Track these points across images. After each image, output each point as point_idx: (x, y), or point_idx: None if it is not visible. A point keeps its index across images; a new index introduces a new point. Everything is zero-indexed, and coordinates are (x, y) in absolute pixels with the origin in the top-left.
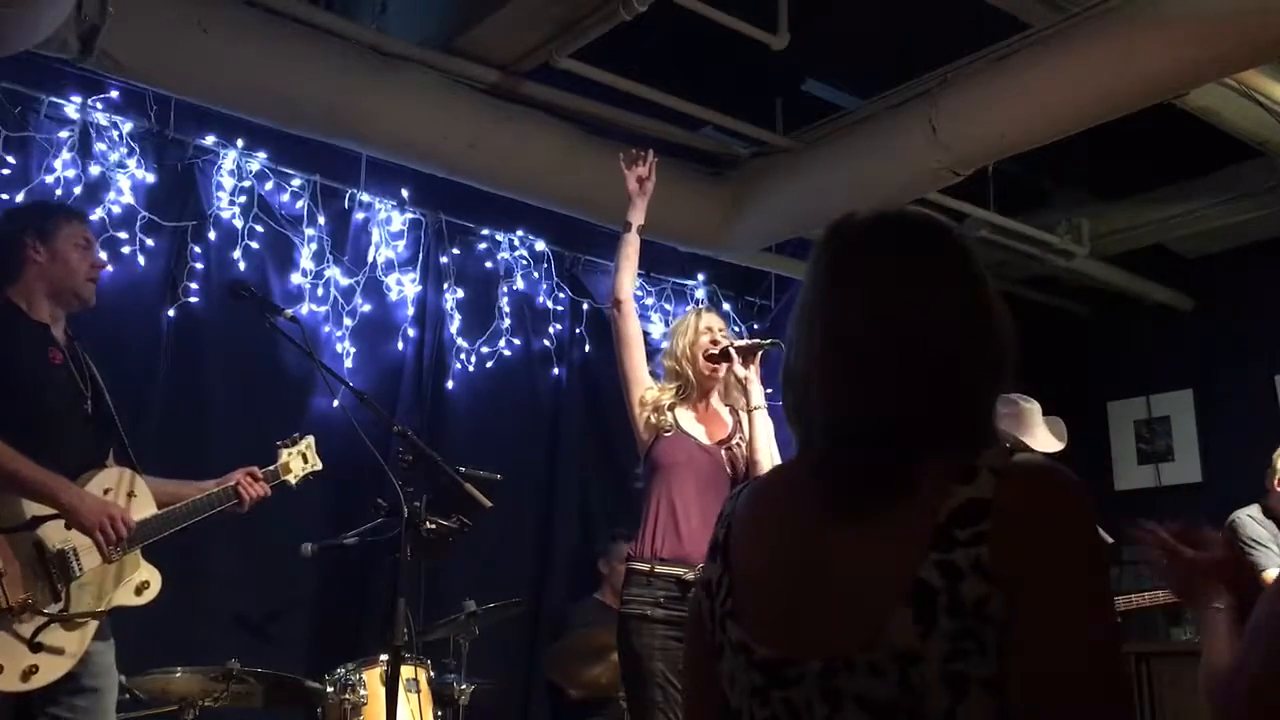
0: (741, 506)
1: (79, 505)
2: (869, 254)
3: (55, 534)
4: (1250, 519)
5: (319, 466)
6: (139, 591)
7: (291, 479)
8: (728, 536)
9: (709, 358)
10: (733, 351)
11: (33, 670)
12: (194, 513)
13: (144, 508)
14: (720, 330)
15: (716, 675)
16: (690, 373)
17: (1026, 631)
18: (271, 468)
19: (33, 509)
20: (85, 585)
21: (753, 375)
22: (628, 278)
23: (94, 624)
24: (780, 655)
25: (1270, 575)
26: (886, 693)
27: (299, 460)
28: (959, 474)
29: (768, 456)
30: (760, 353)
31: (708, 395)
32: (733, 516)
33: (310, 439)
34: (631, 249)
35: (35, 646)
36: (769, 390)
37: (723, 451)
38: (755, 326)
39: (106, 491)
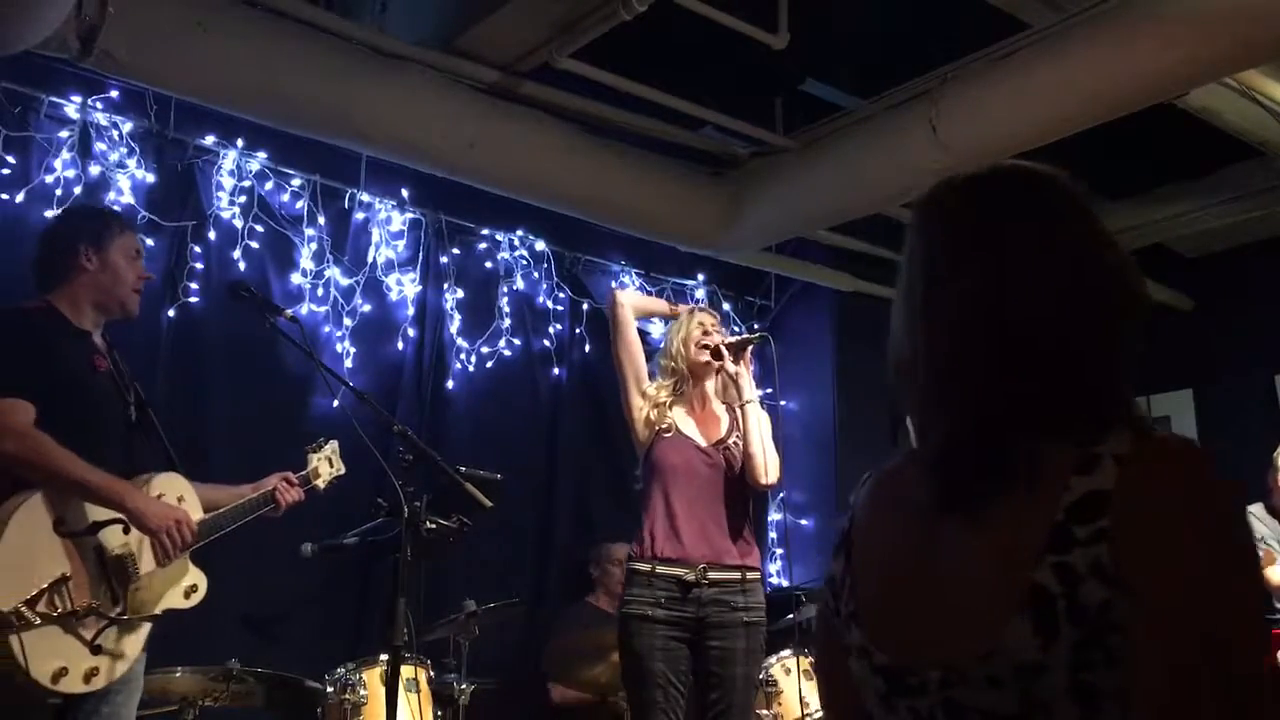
0: (863, 499)
1: (146, 509)
2: (972, 219)
3: (114, 539)
4: (1252, 515)
5: (343, 471)
6: (188, 595)
7: (320, 483)
8: (850, 531)
9: (702, 349)
10: (723, 348)
11: (94, 672)
12: (237, 517)
13: (193, 512)
14: (713, 324)
15: (849, 675)
16: (685, 368)
17: (1145, 633)
18: (304, 472)
19: (94, 514)
20: (140, 589)
21: (744, 370)
22: (638, 295)
23: (147, 627)
24: (899, 662)
25: (1271, 571)
26: (1009, 707)
27: (326, 465)
28: (1078, 463)
29: (762, 450)
30: (750, 348)
31: (704, 386)
32: (855, 509)
33: (334, 443)
34: (660, 309)
35: (95, 649)
36: (768, 390)
37: (720, 452)
38: (755, 326)
39: (160, 497)
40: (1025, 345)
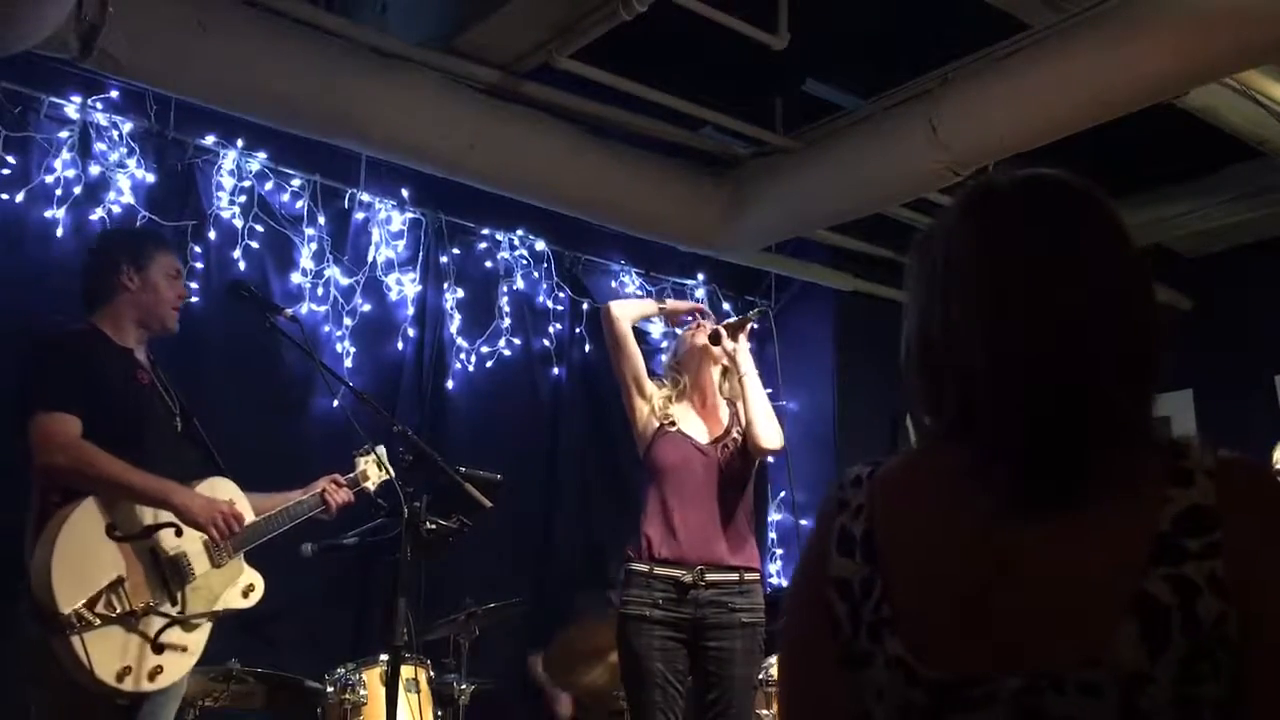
0: (883, 498)
1: (191, 504)
2: (1006, 222)
3: (168, 541)
4: None
5: (392, 474)
6: (246, 594)
7: (370, 485)
8: (871, 533)
9: (710, 338)
10: (721, 329)
11: (158, 670)
12: (289, 519)
13: (245, 514)
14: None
15: (841, 682)
16: (683, 367)
17: (1265, 645)
18: (352, 475)
19: (146, 517)
20: (198, 589)
21: (742, 344)
22: (628, 303)
23: (209, 625)
24: (960, 673)
25: None
26: (1103, 717)
27: (374, 468)
28: (1171, 475)
29: (762, 415)
30: (749, 325)
31: (705, 382)
32: (873, 509)
33: (381, 448)
34: (650, 309)
35: (158, 648)
36: (769, 391)
37: (719, 451)
38: (755, 326)
39: None
40: (1066, 344)
